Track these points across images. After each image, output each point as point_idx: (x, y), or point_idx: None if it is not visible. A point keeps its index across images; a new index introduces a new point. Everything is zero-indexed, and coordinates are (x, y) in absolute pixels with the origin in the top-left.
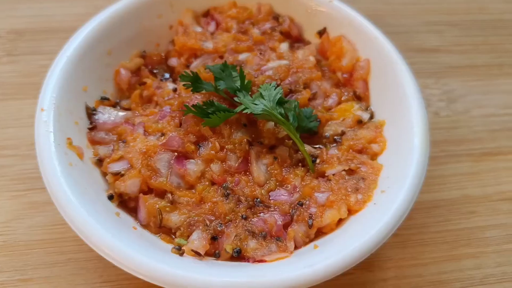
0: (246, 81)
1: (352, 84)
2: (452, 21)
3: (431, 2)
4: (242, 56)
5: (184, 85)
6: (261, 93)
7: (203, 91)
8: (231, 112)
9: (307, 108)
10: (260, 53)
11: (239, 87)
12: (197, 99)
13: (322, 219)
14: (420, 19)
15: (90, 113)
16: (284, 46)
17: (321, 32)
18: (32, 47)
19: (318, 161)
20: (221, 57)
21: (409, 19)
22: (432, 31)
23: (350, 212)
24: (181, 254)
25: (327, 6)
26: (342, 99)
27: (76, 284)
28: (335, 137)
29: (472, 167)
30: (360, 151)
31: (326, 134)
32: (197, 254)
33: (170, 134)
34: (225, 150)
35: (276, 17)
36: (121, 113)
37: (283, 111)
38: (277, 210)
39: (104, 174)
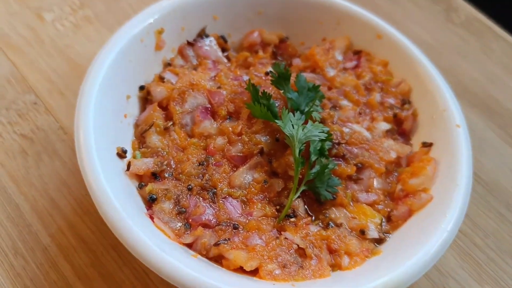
0: (316, 112)
1: (398, 202)
2: None
3: None
4: (343, 102)
5: (270, 72)
6: (309, 125)
7: (273, 88)
8: (271, 119)
9: (337, 180)
10: (359, 113)
11: (303, 110)
12: (259, 83)
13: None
14: None
15: None
16: (383, 126)
17: (426, 145)
18: None
19: (293, 219)
20: (329, 88)
21: None
22: None
23: None
24: (123, 157)
25: (450, 129)
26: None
27: None
28: (330, 222)
29: None
30: (331, 251)
31: (326, 214)
32: (127, 168)
33: (221, 91)
34: (240, 138)
35: (405, 101)
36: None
37: (310, 160)
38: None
39: None
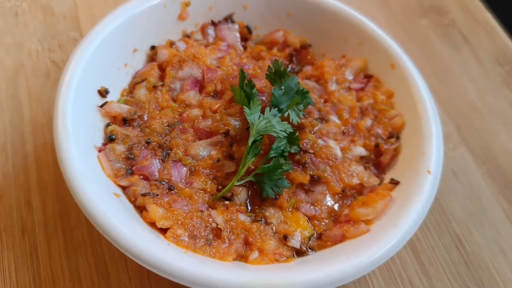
0: (296, 116)
1: (337, 225)
2: None
3: None
4: (332, 117)
5: (268, 67)
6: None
7: (266, 82)
8: (245, 105)
9: (286, 183)
10: (343, 132)
11: (282, 108)
12: (255, 74)
13: None
14: None
15: None
16: (359, 151)
17: (393, 182)
18: None
19: (228, 202)
20: (326, 100)
21: None
22: None
23: None
24: (103, 96)
25: (420, 173)
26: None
27: None
28: (262, 218)
29: None
30: (246, 242)
31: (262, 210)
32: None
33: (218, 70)
34: (215, 114)
35: (393, 135)
36: None
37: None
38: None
39: None
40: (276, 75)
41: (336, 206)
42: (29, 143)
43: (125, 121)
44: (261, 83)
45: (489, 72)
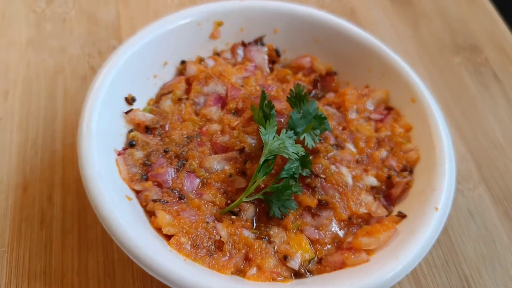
0: (311, 140)
1: (339, 251)
2: None
3: None
4: (348, 145)
5: (290, 90)
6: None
7: (286, 105)
8: (262, 124)
9: (294, 204)
10: (357, 161)
11: (298, 131)
12: (277, 96)
13: None
14: None
15: None
16: (370, 180)
17: (400, 215)
18: None
19: (234, 217)
20: (344, 128)
21: None
22: None
23: None
24: (130, 103)
25: (427, 209)
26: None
27: None
28: (266, 236)
29: None
30: (247, 258)
31: (267, 228)
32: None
33: (241, 89)
34: (233, 131)
35: (406, 168)
36: None
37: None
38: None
39: None
40: (296, 99)
41: (341, 233)
42: (59, 141)
43: (148, 129)
44: (281, 105)
45: None
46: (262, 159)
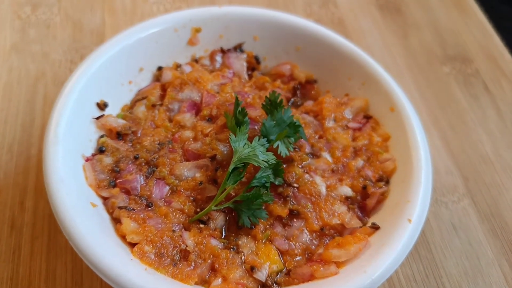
0: (285, 148)
1: (308, 263)
2: None
3: None
4: (324, 154)
5: (266, 97)
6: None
7: (261, 112)
8: (233, 131)
9: (264, 214)
10: (333, 170)
11: (271, 139)
12: (253, 103)
13: None
14: None
15: None
16: (344, 191)
17: (374, 226)
18: None
19: (202, 226)
20: (321, 137)
21: None
22: None
23: None
24: (101, 109)
25: (400, 221)
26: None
27: None
28: (235, 246)
29: None
30: (212, 268)
31: (236, 238)
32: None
33: (216, 96)
34: (205, 138)
35: (382, 179)
36: None
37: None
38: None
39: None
40: (271, 106)
41: (313, 244)
42: (35, 147)
43: (119, 135)
44: (256, 112)
45: (508, 125)
46: (231, 166)
